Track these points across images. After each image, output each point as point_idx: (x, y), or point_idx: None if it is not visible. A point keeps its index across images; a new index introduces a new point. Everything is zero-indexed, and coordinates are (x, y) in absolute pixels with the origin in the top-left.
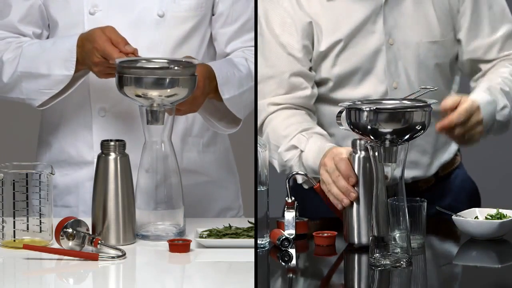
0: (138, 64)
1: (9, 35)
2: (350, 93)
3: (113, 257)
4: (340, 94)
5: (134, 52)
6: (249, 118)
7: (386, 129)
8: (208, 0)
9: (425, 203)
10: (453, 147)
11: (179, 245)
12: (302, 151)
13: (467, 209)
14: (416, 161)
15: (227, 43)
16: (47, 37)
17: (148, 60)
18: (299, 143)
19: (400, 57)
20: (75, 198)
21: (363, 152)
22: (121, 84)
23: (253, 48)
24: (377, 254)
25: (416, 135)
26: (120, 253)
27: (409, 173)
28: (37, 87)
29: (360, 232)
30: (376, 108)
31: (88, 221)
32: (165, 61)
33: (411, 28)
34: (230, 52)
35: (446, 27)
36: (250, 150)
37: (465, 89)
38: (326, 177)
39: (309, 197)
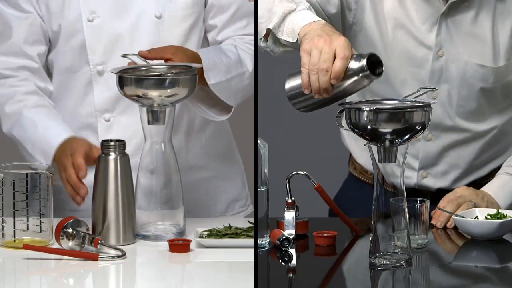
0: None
1: (11, 66)
2: (391, 91)
3: (113, 257)
4: (380, 88)
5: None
6: (249, 118)
7: (386, 129)
8: None
9: (428, 203)
10: (490, 167)
11: (179, 245)
12: (294, 10)
13: None
14: (445, 172)
15: (219, 32)
16: (47, 52)
17: (149, 67)
18: (298, 2)
19: (445, 70)
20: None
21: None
22: (121, 85)
23: (245, 36)
24: (377, 254)
25: (416, 135)
26: (120, 253)
27: (436, 183)
28: (24, 151)
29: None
30: (376, 108)
31: (88, 222)
32: (165, 67)
33: (462, 46)
34: (222, 41)
35: (501, 56)
36: (250, 149)
37: None
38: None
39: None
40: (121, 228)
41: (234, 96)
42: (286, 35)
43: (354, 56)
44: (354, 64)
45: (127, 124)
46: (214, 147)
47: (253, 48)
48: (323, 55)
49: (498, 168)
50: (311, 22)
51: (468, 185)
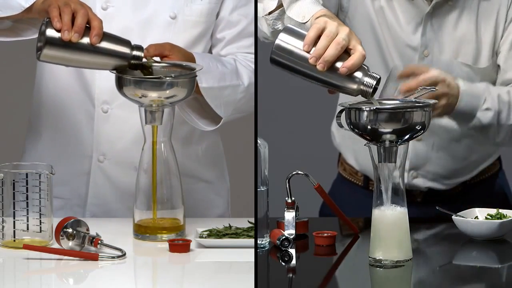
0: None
1: None
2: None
3: (113, 257)
4: None
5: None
6: (249, 118)
7: (386, 129)
8: (216, 7)
9: None
10: (480, 168)
11: (179, 245)
12: None
13: None
14: (435, 172)
15: (223, 47)
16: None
17: (150, 64)
18: None
19: None
20: (68, 190)
21: None
22: (120, 85)
23: (247, 54)
24: (377, 254)
25: (416, 135)
26: (120, 253)
27: (426, 183)
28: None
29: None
30: (376, 108)
31: (87, 221)
32: (165, 64)
33: (447, 45)
34: (225, 55)
35: (483, 55)
36: (250, 150)
37: None
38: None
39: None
40: None
41: (225, 107)
42: (295, 15)
43: (365, 67)
44: (362, 76)
45: (124, 117)
46: (209, 160)
47: (252, 66)
48: (342, 35)
49: (488, 168)
50: (326, 10)
51: (459, 186)
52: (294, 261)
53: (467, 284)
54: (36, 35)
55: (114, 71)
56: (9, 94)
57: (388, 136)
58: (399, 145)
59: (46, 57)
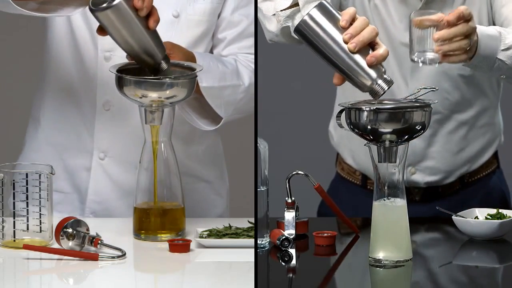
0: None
1: None
2: None
3: (113, 257)
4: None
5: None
6: (249, 118)
7: (386, 129)
8: (219, 7)
9: None
10: (479, 162)
11: (179, 245)
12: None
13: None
14: (433, 167)
15: (225, 47)
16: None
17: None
18: None
19: (424, 66)
20: (69, 184)
21: None
22: (120, 85)
23: (248, 55)
24: (377, 254)
25: (416, 135)
26: (120, 253)
27: (425, 178)
28: None
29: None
30: (376, 108)
31: (87, 221)
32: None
33: None
34: (226, 56)
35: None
36: (250, 150)
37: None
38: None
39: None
40: None
41: (225, 107)
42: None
43: (383, 68)
44: (377, 76)
45: (126, 116)
46: (209, 160)
47: (253, 66)
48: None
49: (486, 165)
50: None
51: (457, 181)
52: (294, 261)
53: (467, 284)
54: (64, 14)
55: (114, 71)
56: (10, 90)
57: (388, 136)
58: (399, 145)
59: (104, 17)
